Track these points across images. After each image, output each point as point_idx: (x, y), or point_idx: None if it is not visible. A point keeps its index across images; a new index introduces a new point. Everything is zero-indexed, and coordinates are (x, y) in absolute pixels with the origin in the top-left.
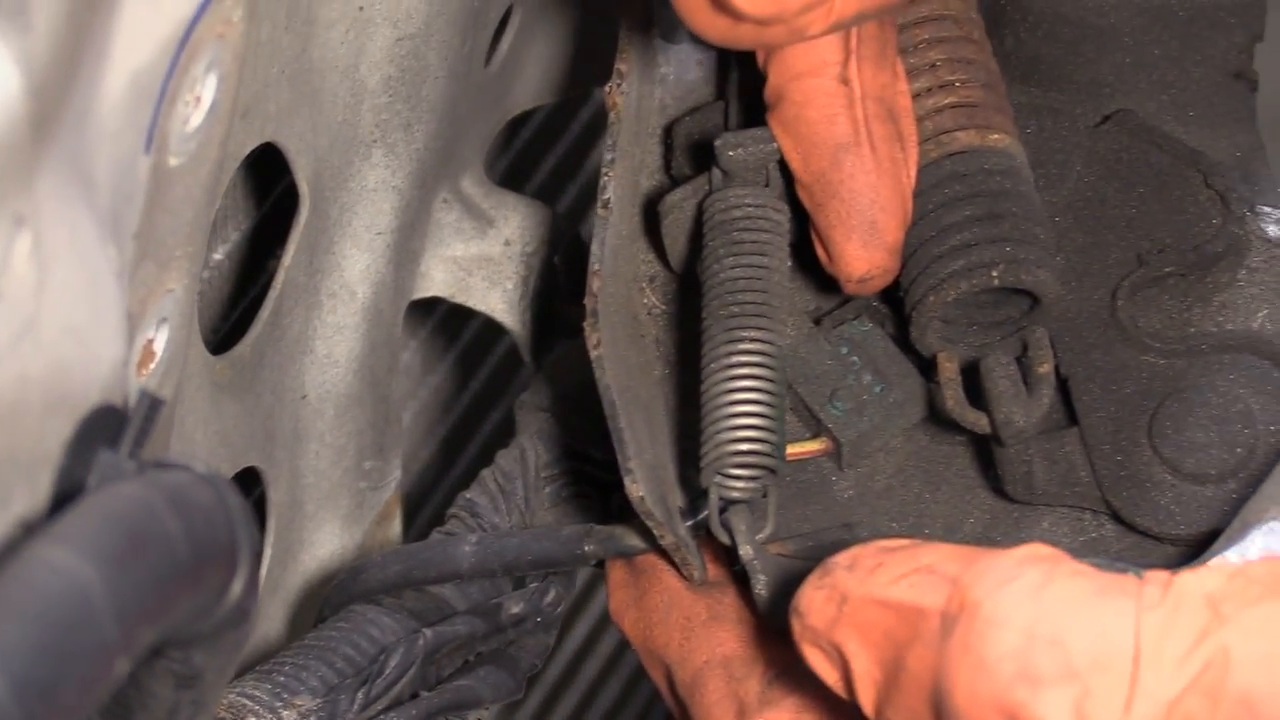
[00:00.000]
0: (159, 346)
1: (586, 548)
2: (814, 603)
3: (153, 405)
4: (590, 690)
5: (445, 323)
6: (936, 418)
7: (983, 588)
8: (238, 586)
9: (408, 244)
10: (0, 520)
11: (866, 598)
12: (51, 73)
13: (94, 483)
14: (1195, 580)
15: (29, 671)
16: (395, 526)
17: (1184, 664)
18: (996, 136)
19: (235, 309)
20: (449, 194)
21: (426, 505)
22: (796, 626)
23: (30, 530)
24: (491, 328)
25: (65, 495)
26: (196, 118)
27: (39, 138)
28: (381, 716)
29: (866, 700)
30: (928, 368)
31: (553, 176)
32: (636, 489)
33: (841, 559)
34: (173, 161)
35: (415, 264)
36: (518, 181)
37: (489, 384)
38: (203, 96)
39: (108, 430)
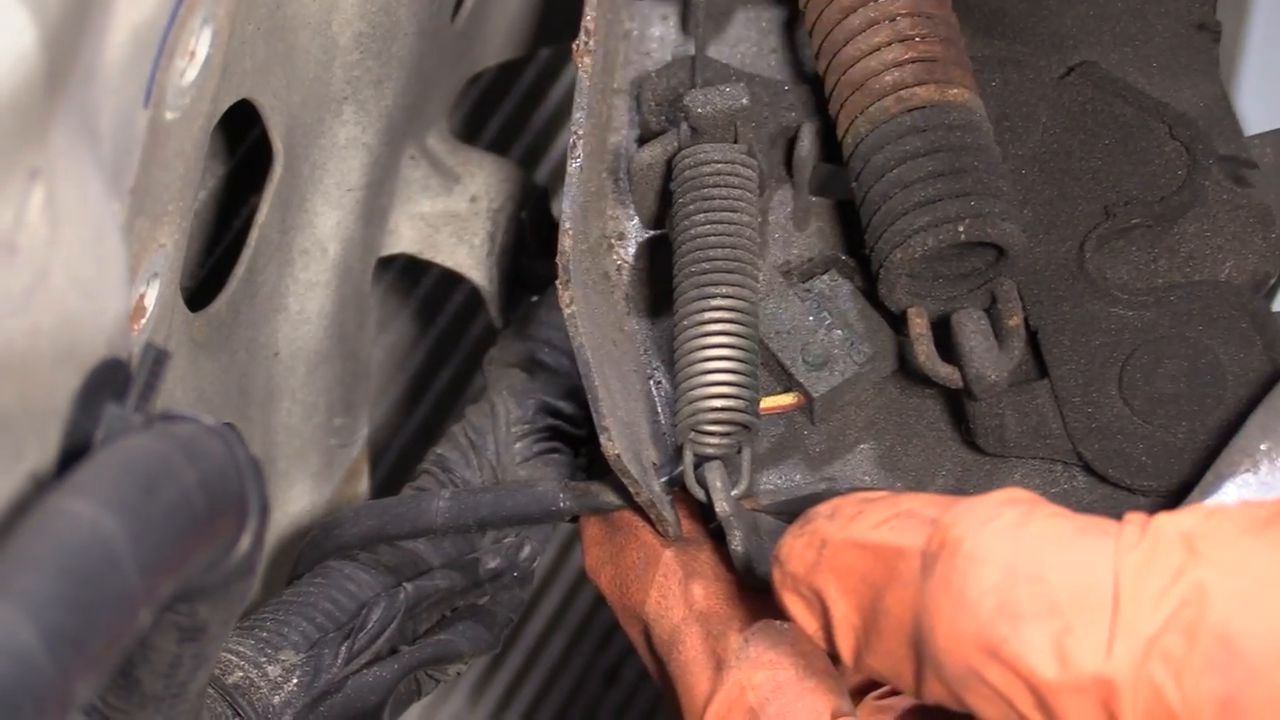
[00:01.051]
0: (150, 302)
1: (562, 504)
2: (795, 550)
3: (158, 358)
4: (536, 646)
5: (401, 277)
6: (907, 371)
7: (963, 526)
8: (246, 539)
9: (377, 200)
10: (13, 473)
11: (846, 541)
12: (63, 26)
13: (101, 436)
14: (1172, 520)
15: (60, 622)
16: (363, 483)
17: (1162, 601)
18: (956, 91)
19: (204, 265)
20: (416, 150)
21: (384, 458)
22: (777, 574)
23: (41, 484)
24: (447, 282)
25: (74, 449)
26: (191, 72)
27: (51, 92)
28: (364, 671)
29: (846, 648)
30: (898, 321)
31: (501, 132)
32: (612, 447)
33: (823, 509)
34: (169, 115)
35: (384, 220)
36: (468, 136)
37: (445, 337)
38: (197, 51)
39: (114, 384)
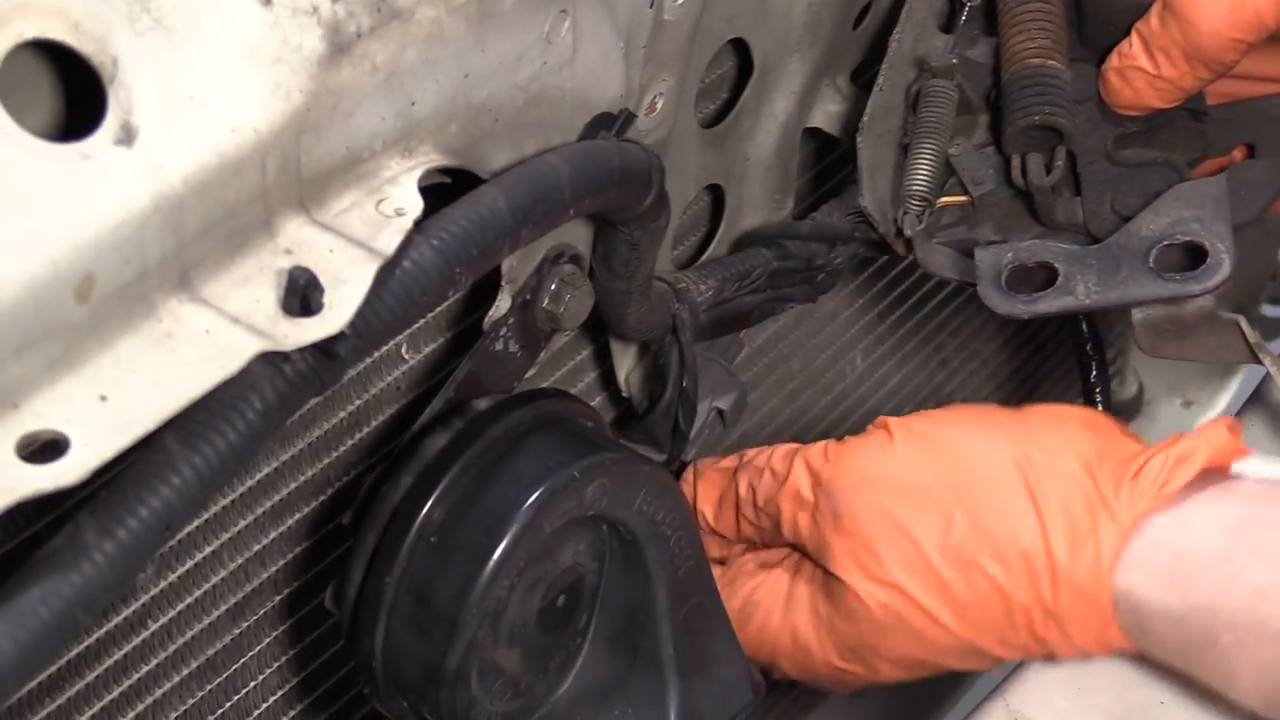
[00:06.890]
0: (659, 106)
1: (855, 234)
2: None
3: (628, 117)
4: None
5: None
6: (1011, 186)
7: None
8: (649, 198)
9: (807, 100)
10: (549, 143)
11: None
12: None
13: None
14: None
15: (517, 201)
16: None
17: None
18: (1051, 63)
19: (719, 112)
20: (829, 81)
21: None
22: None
23: (551, 149)
24: None
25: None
26: None
27: None
28: (745, 296)
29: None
30: (1007, 165)
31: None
32: (863, 202)
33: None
34: (667, 16)
35: (809, 110)
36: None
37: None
38: None
39: (605, 124)
